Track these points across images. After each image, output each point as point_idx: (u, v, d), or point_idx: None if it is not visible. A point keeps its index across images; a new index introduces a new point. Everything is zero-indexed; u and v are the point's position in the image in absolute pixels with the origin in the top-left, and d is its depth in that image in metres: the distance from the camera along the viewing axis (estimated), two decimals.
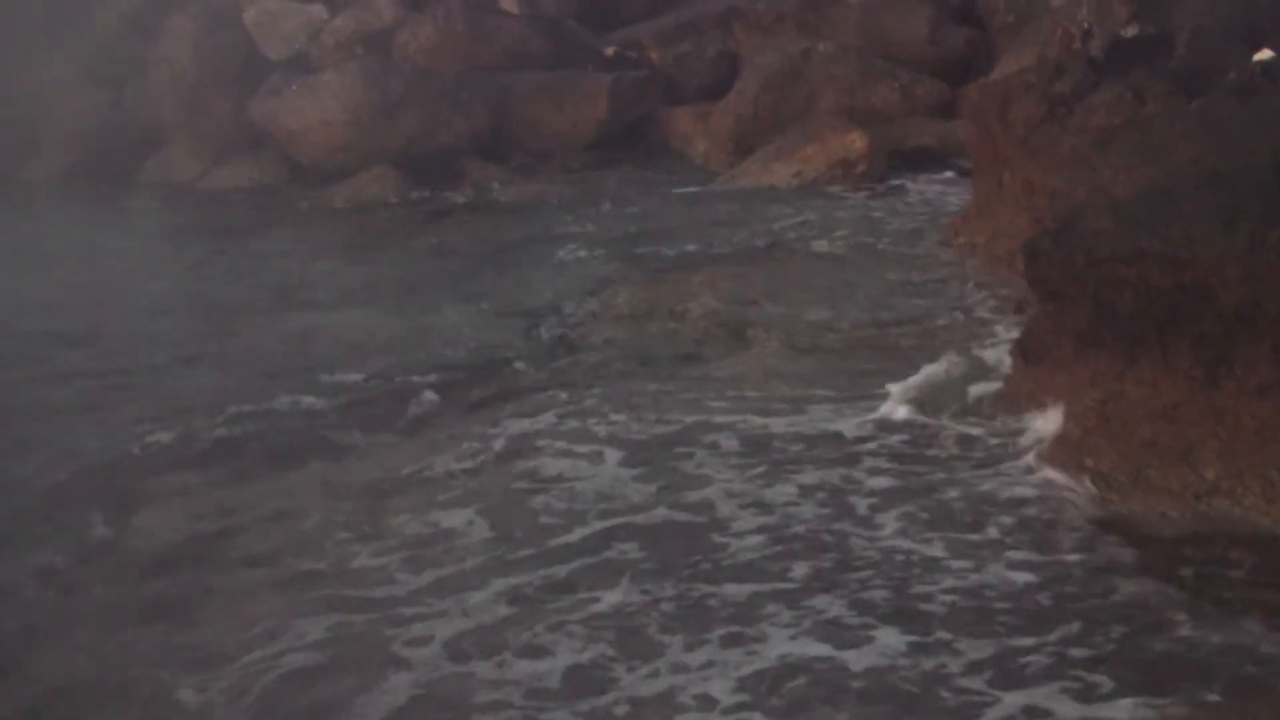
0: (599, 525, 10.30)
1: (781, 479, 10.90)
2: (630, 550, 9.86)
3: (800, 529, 10.04)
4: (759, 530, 10.03)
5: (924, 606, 8.81)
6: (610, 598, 9.17)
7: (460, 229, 21.27)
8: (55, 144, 25.85)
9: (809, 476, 10.92)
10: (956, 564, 9.36)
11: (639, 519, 10.37)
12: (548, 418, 12.54)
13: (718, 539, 9.94)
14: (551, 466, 11.46)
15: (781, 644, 8.45)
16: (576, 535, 10.17)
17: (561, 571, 9.60)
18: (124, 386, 14.56)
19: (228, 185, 24.47)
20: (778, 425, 11.95)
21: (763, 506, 10.41)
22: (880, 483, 10.73)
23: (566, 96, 25.39)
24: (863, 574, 9.30)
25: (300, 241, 21.17)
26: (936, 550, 9.57)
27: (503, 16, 27.63)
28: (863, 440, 11.56)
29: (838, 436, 11.68)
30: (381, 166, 23.46)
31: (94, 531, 10.72)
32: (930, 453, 11.22)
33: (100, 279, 19.54)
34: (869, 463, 11.12)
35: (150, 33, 27.26)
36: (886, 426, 11.76)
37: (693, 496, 10.70)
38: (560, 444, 11.88)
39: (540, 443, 11.95)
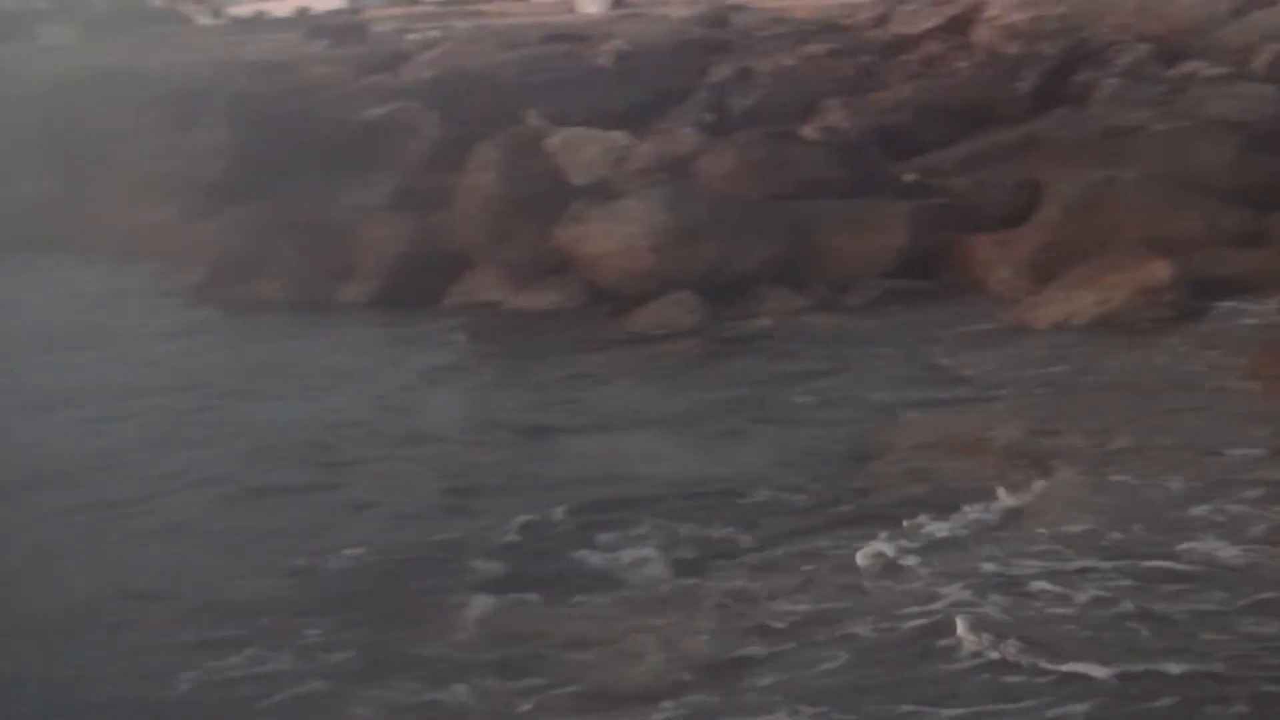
0: None
1: None
2: None
3: None
4: None
5: None
6: None
7: (758, 357, 21.27)
8: (367, 267, 26.69)
9: None
10: None
11: None
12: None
13: None
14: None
15: None
16: None
17: None
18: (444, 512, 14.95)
19: (531, 308, 24.89)
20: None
21: None
22: None
23: (866, 223, 25.24)
24: None
25: (601, 365, 21.42)
26: None
27: (803, 144, 27.76)
28: None
29: None
30: (682, 292, 23.55)
31: None
32: None
33: (399, 398, 20.15)
34: None
35: (457, 161, 28.12)
36: None
37: None
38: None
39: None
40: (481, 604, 12.27)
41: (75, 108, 43.55)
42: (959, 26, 37.30)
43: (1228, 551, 11.97)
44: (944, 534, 12.91)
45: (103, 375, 21.83)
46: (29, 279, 30.21)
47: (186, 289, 27.72)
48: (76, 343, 24.14)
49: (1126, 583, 11.57)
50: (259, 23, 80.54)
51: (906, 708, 9.96)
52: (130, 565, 14.09)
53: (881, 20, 41.17)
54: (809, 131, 28.33)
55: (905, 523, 13.24)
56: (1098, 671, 10.08)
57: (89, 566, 14.08)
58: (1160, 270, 21.81)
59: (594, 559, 13.25)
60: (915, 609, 11.42)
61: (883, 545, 12.72)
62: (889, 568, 12.42)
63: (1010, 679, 10.19)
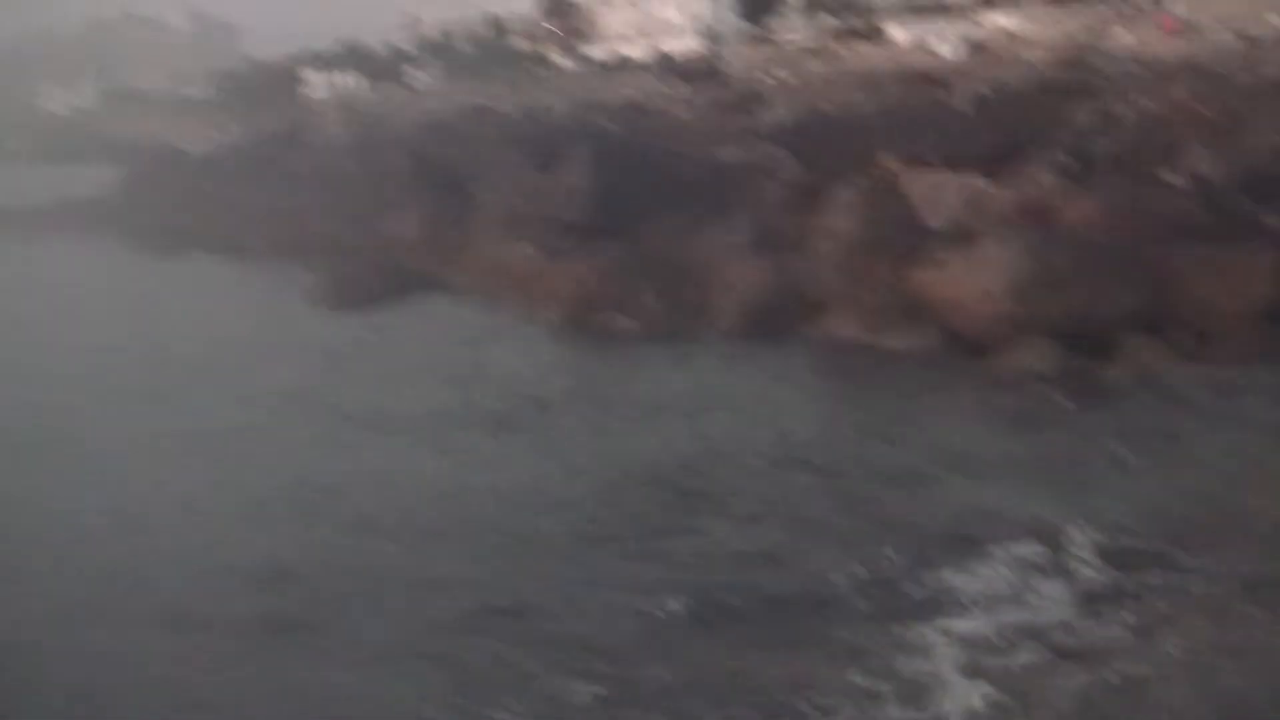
0: None
1: None
2: None
3: None
4: None
5: None
6: None
7: (1119, 408, 20.85)
8: (723, 305, 27.17)
9: None
10: None
11: None
12: None
13: None
14: None
15: None
16: None
17: None
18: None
19: (884, 348, 24.96)
20: None
21: None
22: None
23: (1232, 270, 24.46)
24: None
25: (955, 408, 21.35)
26: None
27: (1165, 188, 27.16)
28: None
29: None
30: (1039, 338, 23.28)
31: None
32: None
33: (757, 432, 20.44)
34: None
35: (813, 203, 28.43)
36: None
37: None
38: None
39: None
40: None
41: (441, 148, 45.54)
42: None
43: None
44: None
45: (475, 406, 22.67)
46: (401, 316, 31.59)
47: (549, 324, 28.65)
48: (449, 376, 25.10)
49: None
50: (618, 65, 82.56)
51: None
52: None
53: (1250, 62, 39.92)
54: (1172, 176, 27.63)
55: None
56: None
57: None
58: None
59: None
60: None
61: None
62: None
63: None
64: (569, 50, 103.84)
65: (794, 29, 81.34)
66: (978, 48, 59.71)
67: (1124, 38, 53.06)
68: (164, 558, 16.15)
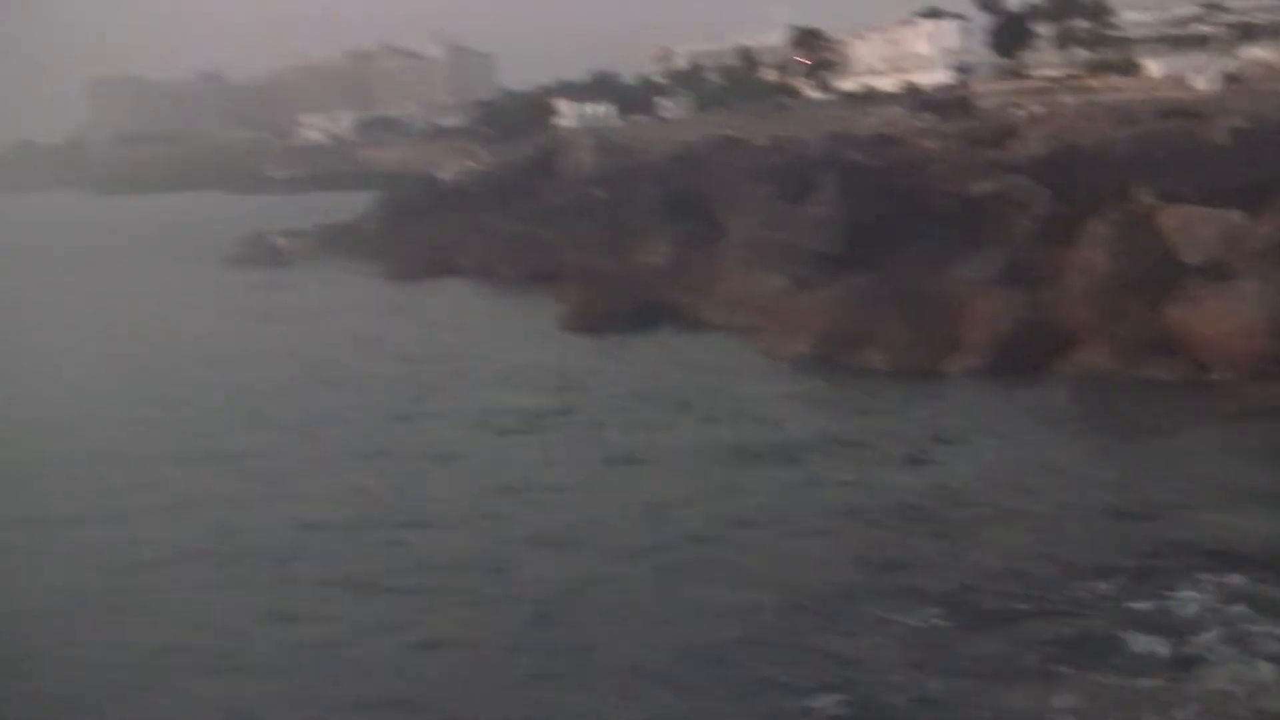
0: None
1: None
2: None
3: None
4: None
5: None
6: None
7: None
8: (974, 339, 26.96)
9: None
10: None
11: None
12: None
13: None
14: None
15: None
16: None
17: None
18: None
19: (1140, 382, 24.55)
20: None
21: None
22: None
23: None
24: None
25: (1217, 444, 20.94)
26: None
27: None
28: None
29: None
30: None
31: None
32: None
33: (1006, 470, 20.25)
34: None
35: (1067, 237, 28.10)
36: None
37: None
38: None
39: None
40: None
41: (690, 178, 45.99)
42: None
43: None
44: None
45: (725, 441, 22.71)
46: (646, 345, 31.93)
47: (793, 357, 28.67)
48: (695, 408, 25.28)
49: None
50: (867, 97, 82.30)
51: None
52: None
53: None
54: None
55: None
56: None
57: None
58: None
59: None
60: None
61: None
62: None
63: None
64: (819, 82, 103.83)
65: (1046, 62, 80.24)
66: (1234, 80, 58.19)
67: None
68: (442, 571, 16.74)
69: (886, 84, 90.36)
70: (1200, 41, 72.70)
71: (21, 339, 36.82)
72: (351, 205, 65.88)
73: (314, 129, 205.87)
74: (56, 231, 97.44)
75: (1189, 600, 14.21)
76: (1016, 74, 77.99)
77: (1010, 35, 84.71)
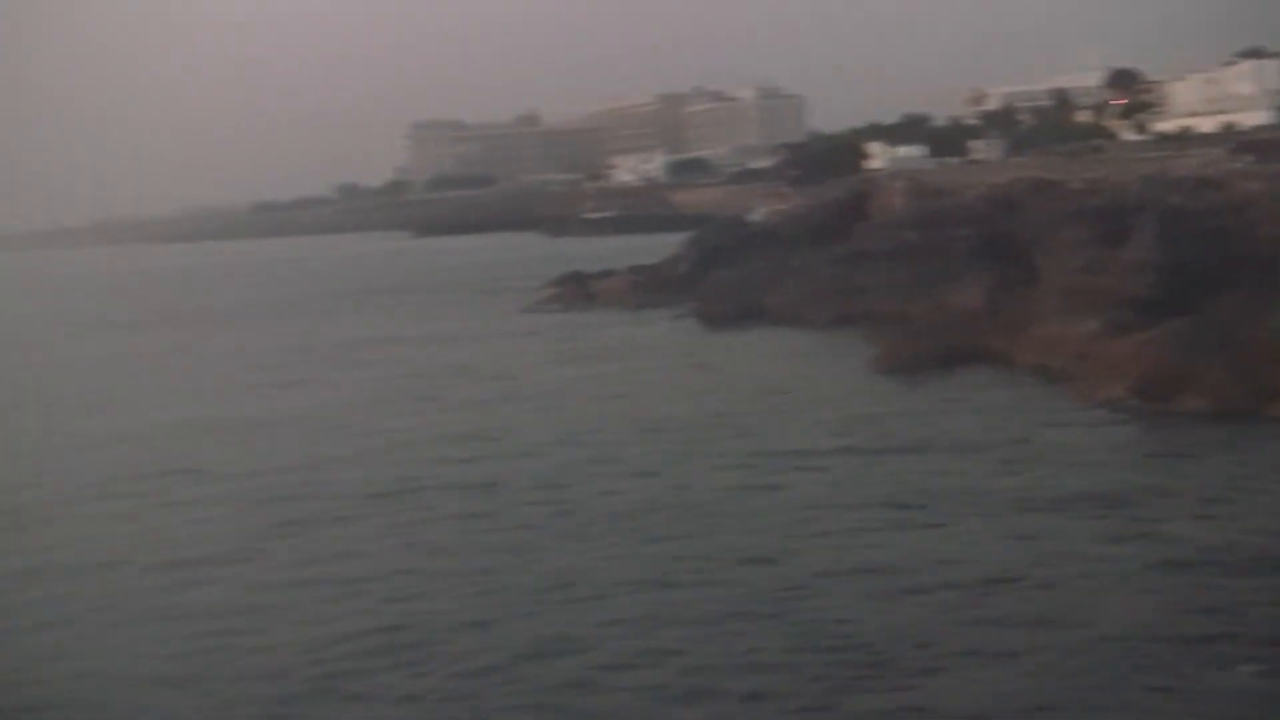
0: None
1: None
2: None
3: None
4: None
5: None
6: None
7: None
8: None
9: None
10: None
11: None
12: None
13: None
14: None
15: None
16: None
17: None
18: None
19: None
20: None
21: None
22: None
23: None
24: None
25: None
26: None
27: None
28: None
29: None
30: None
31: None
32: None
33: None
34: None
35: None
36: None
37: None
38: None
39: None
40: None
41: (1003, 220, 45.54)
42: None
43: None
44: None
45: (1039, 492, 22.37)
46: (957, 390, 31.77)
47: (1108, 402, 28.20)
48: (1005, 457, 25.01)
49: None
50: (1184, 138, 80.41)
51: None
52: None
53: None
54: None
55: None
56: None
57: None
58: None
59: None
60: None
61: None
62: None
63: None
64: (1135, 124, 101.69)
65: None
66: None
67: None
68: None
69: (1206, 125, 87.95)
70: None
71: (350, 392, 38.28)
72: (662, 247, 66.98)
73: (626, 171, 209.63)
74: (372, 272, 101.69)
75: None
76: None
77: None
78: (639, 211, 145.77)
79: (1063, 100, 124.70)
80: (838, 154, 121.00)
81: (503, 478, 25.08)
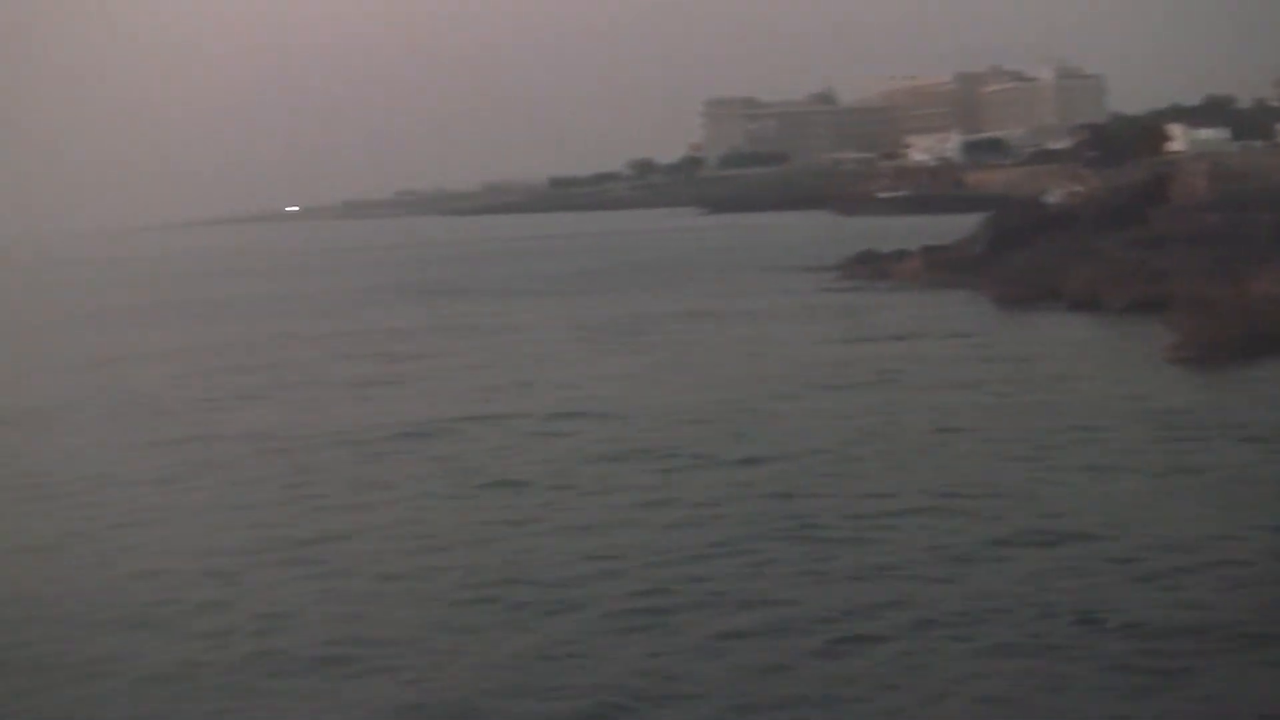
0: None
1: None
2: None
3: None
4: None
5: None
6: None
7: None
8: None
9: None
10: None
11: None
12: None
13: None
14: None
15: None
16: None
17: None
18: None
19: None
20: None
21: None
22: None
23: None
24: None
25: None
26: None
27: None
28: None
29: None
30: None
31: None
32: None
33: None
34: None
35: None
36: None
37: None
38: None
39: None
40: None
41: None
42: None
43: None
44: None
45: None
46: (1259, 382, 30.63)
47: None
48: None
49: None
50: None
51: None
52: None
53: None
54: None
55: None
56: None
57: None
58: None
59: None
60: None
61: None
62: None
63: None
64: None
65: None
66: None
67: None
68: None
69: None
70: None
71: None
72: (956, 228, 66.71)
73: (921, 150, 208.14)
74: (670, 247, 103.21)
75: None
76: None
77: None
78: (933, 192, 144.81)
79: None
80: (1137, 136, 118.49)
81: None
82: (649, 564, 18.68)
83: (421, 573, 18.74)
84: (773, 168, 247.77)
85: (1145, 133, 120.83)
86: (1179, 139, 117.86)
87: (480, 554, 19.59)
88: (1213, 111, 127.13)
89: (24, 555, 20.82)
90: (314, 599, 17.78)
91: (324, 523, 21.66)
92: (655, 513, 21.47)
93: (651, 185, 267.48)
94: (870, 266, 62.03)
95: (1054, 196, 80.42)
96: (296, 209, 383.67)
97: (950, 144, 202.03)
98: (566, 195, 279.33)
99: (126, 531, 21.61)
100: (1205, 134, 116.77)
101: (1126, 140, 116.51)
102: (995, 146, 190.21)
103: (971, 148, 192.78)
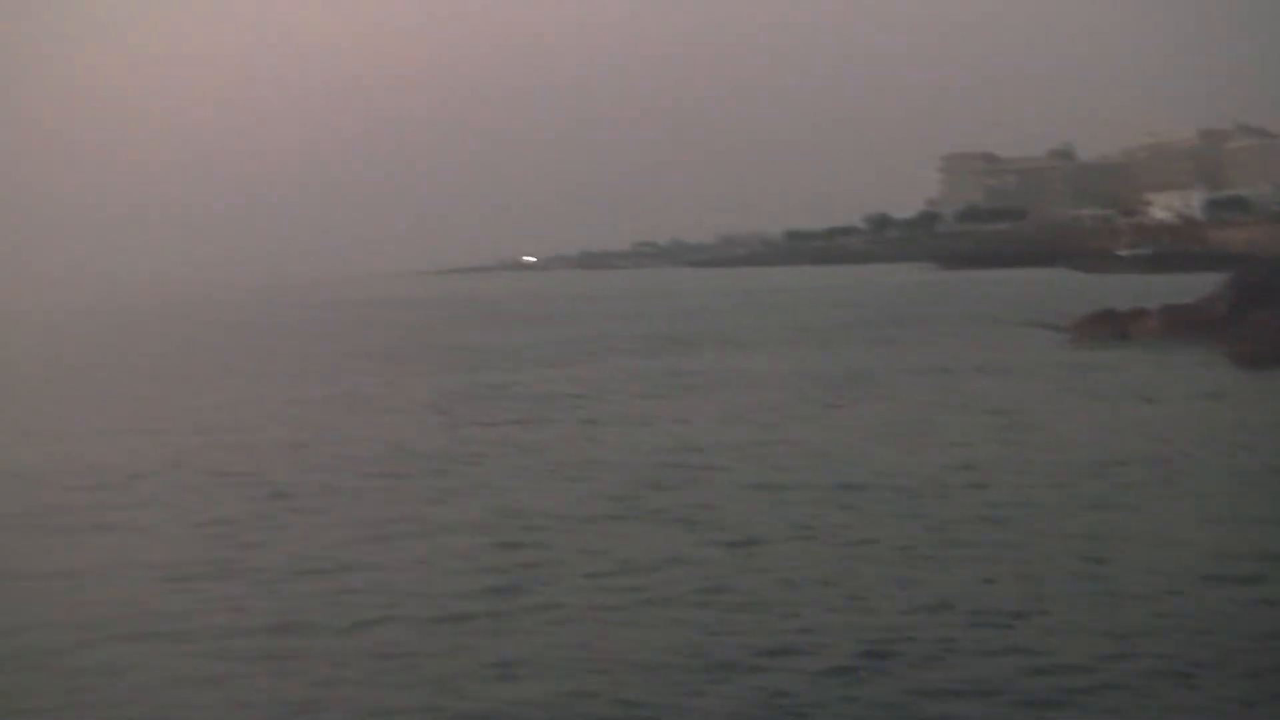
0: None
1: None
2: None
3: None
4: None
5: None
6: None
7: None
8: None
9: None
10: None
11: None
12: None
13: None
14: None
15: None
16: None
17: None
18: None
19: None
20: None
21: None
22: None
23: None
24: None
25: None
26: None
27: None
28: None
29: None
30: None
31: None
32: None
33: None
34: None
35: None
36: None
37: None
38: None
39: None
40: None
41: None
42: None
43: None
44: None
45: None
46: None
47: None
48: None
49: None
50: None
51: None
52: None
53: None
54: None
55: None
56: None
57: None
58: None
59: None
60: None
61: None
62: None
63: None
64: None
65: None
66: None
67: None
68: None
69: None
70: None
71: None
72: (1198, 286, 66.17)
73: (1161, 207, 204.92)
74: (909, 302, 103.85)
75: None
76: None
77: None
78: (1174, 249, 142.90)
79: None
80: None
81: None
82: None
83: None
84: (1010, 224, 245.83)
85: None
86: None
87: None
88: None
89: None
90: None
91: None
92: None
93: (887, 240, 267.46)
94: (1108, 324, 62.06)
95: None
96: (534, 259, 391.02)
97: (1192, 201, 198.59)
98: (801, 248, 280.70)
99: None
100: None
101: None
102: (1239, 204, 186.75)
103: (1214, 205, 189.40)
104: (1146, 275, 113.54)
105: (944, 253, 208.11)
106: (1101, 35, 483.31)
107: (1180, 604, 17.31)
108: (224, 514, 24.77)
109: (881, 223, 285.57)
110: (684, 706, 14.20)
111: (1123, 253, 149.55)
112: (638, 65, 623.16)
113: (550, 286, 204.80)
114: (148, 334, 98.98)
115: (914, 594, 17.99)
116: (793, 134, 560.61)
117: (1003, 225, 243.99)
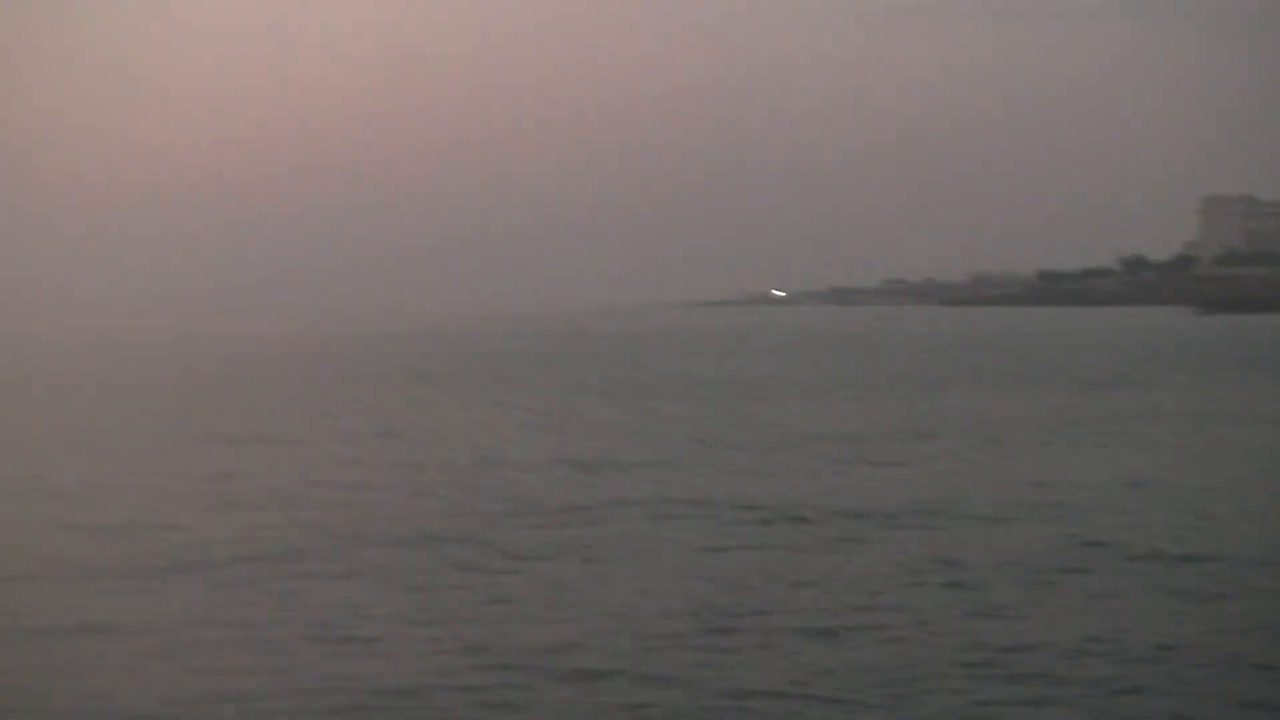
0: None
1: None
2: None
3: None
4: None
5: None
6: None
7: None
8: None
9: None
10: None
11: None
12: None
13: None
14: None
15: None
16: None
17: None
18: None
19: None
20: None
21: None
22: None
23: None
24: None
25: None
26: None
27: None
28: None
29: None
30: None
31: None
32: None
33: None
34: None
35: None
36: None
37: None
38: None
39: None
40: None
41: None
42: None
43: None
44: None
45: None
46: None
47: None
48: None
49: None
50: None
51: None
52: None
53: None
54: None
55: None
56: None
57: None
58: None
59: None
60: None
61: None
62: None
63: None
64: None
65: None
66: None
67: None
68: None
69: None
70: None
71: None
72: None
73: None
74: (1162, 348, 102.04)
75: None
76: None
77: None
78: None
79: None
80: None
81: None
82: None
83: None
84: (1272, 268, 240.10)
85: None
86: None
87: None
88: None
89: None
90: None
91: None
92: None
93: (1142, 282, 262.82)
94: None
95: None
96: (783, 294, 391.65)
97: None
98: (1055, 289, 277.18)
99: None
100: None
101: None
102: None
103: None
104: None
105: (1202, 296, 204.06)
106: None
107: None
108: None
109: (1137, 264, 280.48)
110: None
111: None
112: (891, 99, 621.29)
113: (803, 323, 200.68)
114: (480, 355, 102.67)
115: None
116: (1047, 173, 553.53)
117: (1264, 269, 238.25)
